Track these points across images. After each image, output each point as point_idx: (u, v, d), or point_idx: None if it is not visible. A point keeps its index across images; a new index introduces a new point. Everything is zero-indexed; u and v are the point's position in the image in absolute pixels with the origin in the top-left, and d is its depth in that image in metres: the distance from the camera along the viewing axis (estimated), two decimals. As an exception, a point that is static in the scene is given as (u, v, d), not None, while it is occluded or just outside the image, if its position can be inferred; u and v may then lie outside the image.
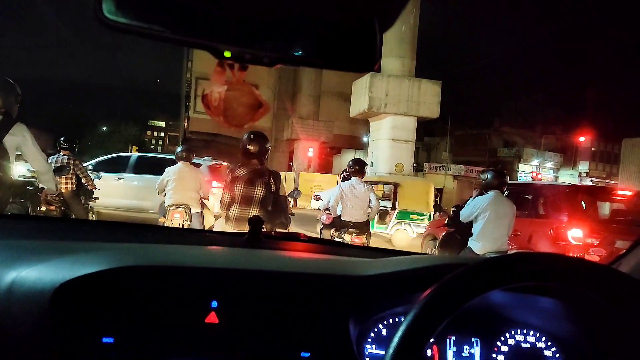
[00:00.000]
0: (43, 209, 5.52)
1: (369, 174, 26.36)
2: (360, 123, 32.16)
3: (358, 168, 5.78)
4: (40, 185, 4.54)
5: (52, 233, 1.34)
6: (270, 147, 4.03)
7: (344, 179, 6.03)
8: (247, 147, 3.84)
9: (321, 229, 6.12)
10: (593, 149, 45.58)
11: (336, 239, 5.56)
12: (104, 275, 0.91)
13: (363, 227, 5.68)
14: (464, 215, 4.99)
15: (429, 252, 7.52)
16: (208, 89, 0.67)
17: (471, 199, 5.25)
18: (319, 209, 6.97)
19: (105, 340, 0.89)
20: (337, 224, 5.74)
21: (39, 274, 0.90)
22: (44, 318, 0.85)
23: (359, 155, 31.71)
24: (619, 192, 6.92)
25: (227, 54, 0.58)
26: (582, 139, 42.32)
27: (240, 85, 0.66)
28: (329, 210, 5.88)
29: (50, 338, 0.84)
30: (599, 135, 44.51)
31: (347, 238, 5.55)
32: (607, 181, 37.85)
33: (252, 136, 3.86)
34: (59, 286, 0.87)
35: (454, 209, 6.64)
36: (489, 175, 4.92)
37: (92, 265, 0.92)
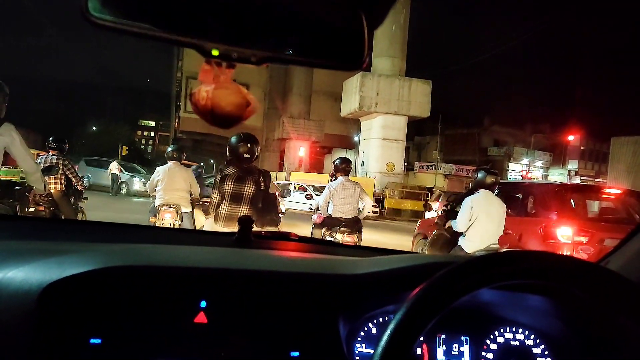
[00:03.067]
0: (32, 209, 5.48)
1: (360, 174, 26.34)
2: (351, 122, 32.21)
3: (343, 166, 5.88)
4: (29, 186, 4.50)
5: (41, 234, 1.33)
6: (259, 149, 4.00)
7: (334, 179, 6.07)
8: (236, 148, 3.82)
9: (312, 229, 6.14)
10: (582, 147, 45.98)
11: (327, 238, 5.57)
12: (91, 276, 0.90)
13: (354, 226, 5.70)
14: (461, 223, 4.89)
15: (420, 251, 7.55)
16: (196, 88, 0.67)
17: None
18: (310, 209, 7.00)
19: (92, 341, 0.88)
20: (328, 223, 5.76)
21: (26, 274, 0.89)
22: (31, 319, 0.84)
23: (350, 154, 31.79)
24: (608, 190, 6.98)
25: (215, 53, 0.57)
26: (571, 137, 42.69)
27: (229, 84, 0.66)
28: (320, 210, 5.91)
29: (37, 339, 0.84)
30: (587, 134, 44.99)
31: (339, 237, 5.57)
32: (595, 180, 38.21)
33: (241, 138, 3.84)
34: (46, 287, 0.86)
35: (444, 207, 6.67)
36: (481, 175, 4.94)
37: (79, 266, 0.91)
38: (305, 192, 17.92)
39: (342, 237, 5.57)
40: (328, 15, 0.58)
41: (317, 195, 14.68)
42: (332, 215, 5.73)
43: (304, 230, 9.64)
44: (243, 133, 3.92)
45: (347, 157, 6.94)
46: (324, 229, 5.77)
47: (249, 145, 3.81)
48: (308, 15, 0.58)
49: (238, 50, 0.57)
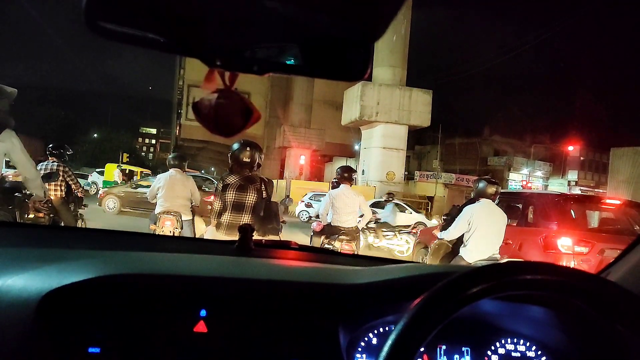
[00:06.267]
0: (31, 216, 5.46)
1: (360, 182, 26.29)
2: (352, 131, 32.25)
3: (347, 175, 5.84)
4: (29, 192, 4.49)
5: (40, 241, 1.32)
6: (262, 158, 4.00)
7: (334, 187, 6.06)
8: (237, 155, 3.82)
9: (311, 237, 6.12)
10: (582, 158, 46.00)
11: (326, 246, 5.55)
12: (91, 284, 0.90)
13: (353, 234, 5.69)
14: (455, 230, 4.89)
15: (420, 261, 7.52)
16: (199, 96, 0.67)
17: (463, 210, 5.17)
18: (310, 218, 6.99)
19: (91, 350, 0.88)
20: (328, 231, 5.75)
21: (25, 282, 0.89)
22: (30, 327, 0.83)
23: (350, 162, 31.79)
24: (608, 201, 6.96)
25: (218, 62, 0.58)
26: (571, 148, 42.72)
27: (231, 93, 0.66)
28: (319, 218, 5.90)
29: (35, 348, 0.83)
30: (587, 145, 45.03)
31: (337, 245, 5.55)
32: (595, 190, 38.19)
33: (244, 145, 3.85)
34: (45, 295, 0.86)
35: (444, 217, 6.65)
36: (481, 184, 4.93)
37: (79, 274, 0.91)
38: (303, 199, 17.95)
39: (341, 245, 5.56)
40: (330, 26, 0.58)
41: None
42: (332, 224, 5.72)
43: (304, 239, 9.62)
44: (244, 140, 3.93)
45: (345, 165, 6.91)
46: (322, 237, 5.76)
47: (248, 149, 3.82)
48: (310, 25, 0.58)
49: (241, 60, 0.58)
